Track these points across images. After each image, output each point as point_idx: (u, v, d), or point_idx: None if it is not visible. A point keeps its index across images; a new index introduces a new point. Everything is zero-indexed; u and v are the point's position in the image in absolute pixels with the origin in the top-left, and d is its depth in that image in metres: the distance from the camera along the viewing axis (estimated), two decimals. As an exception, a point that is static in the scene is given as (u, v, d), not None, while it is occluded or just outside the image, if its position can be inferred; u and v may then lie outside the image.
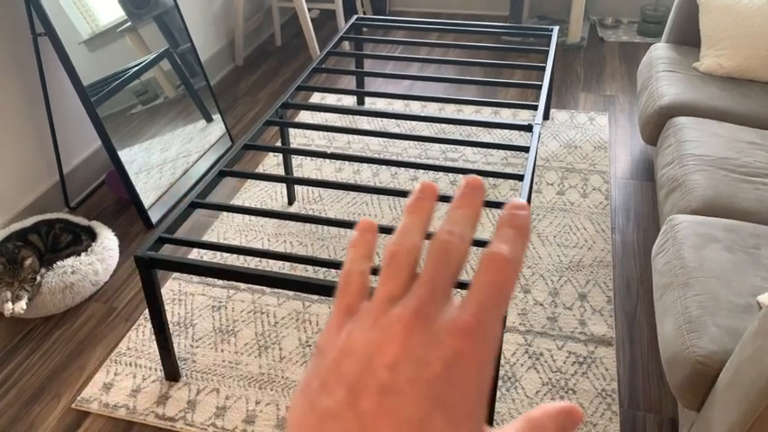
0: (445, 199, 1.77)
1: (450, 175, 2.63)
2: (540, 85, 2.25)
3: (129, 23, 2.42)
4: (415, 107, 3.13)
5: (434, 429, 0.25)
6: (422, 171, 2.65)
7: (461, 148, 2.80)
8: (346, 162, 2.72)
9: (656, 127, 2.23)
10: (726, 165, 1.86)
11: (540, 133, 2.02)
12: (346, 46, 3.64)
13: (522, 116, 3.04)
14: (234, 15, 3.52)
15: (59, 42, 2.06)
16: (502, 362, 1.83)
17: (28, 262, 1.92)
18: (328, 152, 1.90)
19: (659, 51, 2.56)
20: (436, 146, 2.82)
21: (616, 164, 2.68)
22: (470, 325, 0.27)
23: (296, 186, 2.55)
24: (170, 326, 1.97)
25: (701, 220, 1.65)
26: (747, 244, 1.56)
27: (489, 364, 0.27)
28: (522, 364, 1.82)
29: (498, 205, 1.73)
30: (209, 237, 2.34)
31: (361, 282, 0.31)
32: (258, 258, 2.20)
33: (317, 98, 3.25)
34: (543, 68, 2.39)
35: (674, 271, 1.53)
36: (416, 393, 0.26)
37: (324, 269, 2.13)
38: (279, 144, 2.81)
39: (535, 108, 2.12)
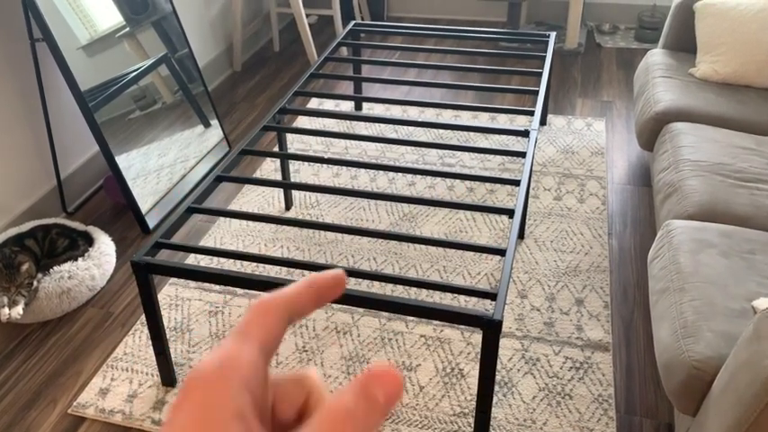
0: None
1: (447, 180, 2.64)
2: (537, 91, 2.26)
3: (127, 29, 2.43)
4: (413, 112, 3.14)
5: None
6: (419, 176, 2.66)
7: (459, 153, 2.81)
8: (344, 167, 2.73)
9: (652, 133, 2.24)
10: (722, 170, 1.86)
11: (536, 139, 2.02)
12: (344, 51, 3.65)
13: (520, 122, 3.04)
14: (232, 21, 3.53)
15: (57, 48, 2.07)
16: (498, 367, 1.83)
17: (25, 267, 1.92)
18: (325, 157, 1.90)
19: (656, 57, 2.57)
20: (433, 151, 2.82)
21: (613, 169, 2.69)
22: (215, 358, 0.26)
23: (293, 191, 2.55)
24: (167, 331, 1.97)
25: (696, 225, 1.65)
26: (743, 249, 1.56)
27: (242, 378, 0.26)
28: (518, 370, 1.82)
29: (496, 210, 1.74)
30: (205, 242, 2.34)
31: None
32: (255, 263, 2.20)
33: (314, 103, 3.26)
34: (540, 74, 2.40)
35: (670, 276, 1.53)
36: None
37: (321, 274, 2.12)
38: (276, 149, 2.82)
39: (532, 114, 2.13)
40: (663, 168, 1.99)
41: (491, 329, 1.37)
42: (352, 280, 2.12)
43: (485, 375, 1.42)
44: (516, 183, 1.80)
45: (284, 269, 2.17)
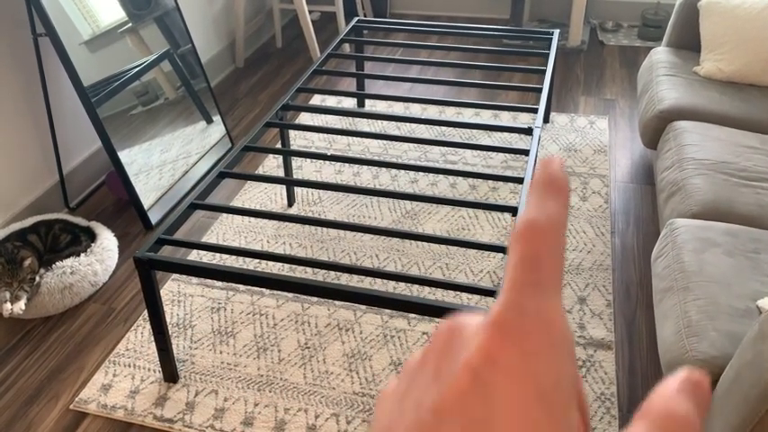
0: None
1: (449, 177, 2.63)
2: (541, 89, 2.25)
3: (129, 24, 2.42)
4: (416, 109, 3.13)
5: None
6: (421, 173, 2.65)
7: (461, 150, 2.80)
8: (346, 164, 2.72)
9: (656, 131, 2.23)
10: (726, 169, 1.86)
11: (540, 136, 2.02)
12: (347, 48, 3.64)
13: (522, 119, 3.04)
14: (235, 17, 3.53)
15: (60, 43, 2.06)
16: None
17: (27, 262, 1.92)
18: (328, 154, 1.90)
19: (659, 55, 2.57)
20: (436, 148, 2.82)
21: (616, 167, 2.68)
22: (494, 319, 0.20)
23: (296, 188, 2.55)
24: (169, 327, 1.97)
25: (700, 224, 1.65)
26: (747, 248, 1.56)
27: (548, 354, 0.20)
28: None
29: (498, 208, 1.74)
30: (208, 238, 2.33)
31: None
32: (257, 260, 2.19)
33: (317, 100, 3.26)
34: (543, 72, 2.40)
35: (674, 275, 1.53)
36: None
37: (323, 271, 2.12)
38: (279, 146, 2.81)
39: (535, 111, 2.12)
40: (666, 167, 1.99)
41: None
42: (354, 277, 2.12)
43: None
44: (519, 180, 1.80)
45: (286, 266, 2.17)
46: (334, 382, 1.78)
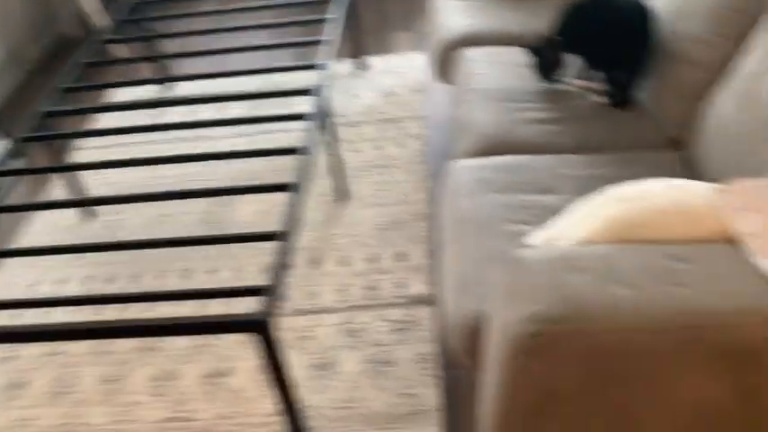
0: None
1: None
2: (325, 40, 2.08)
3: None
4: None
5: None
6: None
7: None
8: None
9: (444, 64, 2.12)
10: (507, 96, 1.75)
11: (326, 95, 1.87)
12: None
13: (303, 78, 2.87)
14: None
15: None
16: (319, 349, 1.71)
17: None
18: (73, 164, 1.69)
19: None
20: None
21: (436, 106, 2.58)
22: None
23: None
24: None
25: (478, 162, 1.55)
26: (522, 181, 1.48)
27: None
28: (341, 347, 1.71)
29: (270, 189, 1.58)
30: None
31: None
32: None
33: None
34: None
35: (451, 224, 1.44)
36: None
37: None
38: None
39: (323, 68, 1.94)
40: (455, 103, 1.89)
41: (261, 332, 1.22)
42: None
43: (278, 385, 1.27)
44: (284, 188, 1.62)
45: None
46: (140, 413, 1.63)
